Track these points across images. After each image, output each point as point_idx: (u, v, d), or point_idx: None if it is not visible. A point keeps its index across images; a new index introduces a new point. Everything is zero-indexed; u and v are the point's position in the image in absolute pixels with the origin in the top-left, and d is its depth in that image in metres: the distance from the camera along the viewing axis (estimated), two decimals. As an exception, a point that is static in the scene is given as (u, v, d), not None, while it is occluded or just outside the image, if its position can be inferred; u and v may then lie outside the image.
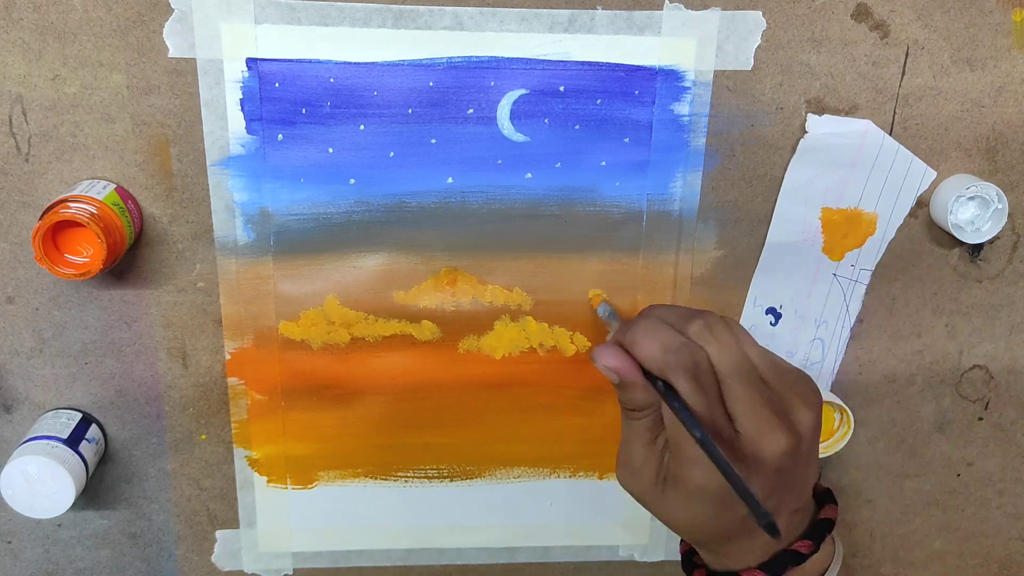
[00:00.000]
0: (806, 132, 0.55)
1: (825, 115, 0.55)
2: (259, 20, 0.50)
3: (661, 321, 0.45)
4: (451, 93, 0.53)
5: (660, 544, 0.64)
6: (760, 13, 0.52)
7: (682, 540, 0.52)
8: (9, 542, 0.60)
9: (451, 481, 0.62)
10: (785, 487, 0.44)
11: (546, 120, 0.54)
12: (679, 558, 0.65)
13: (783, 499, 0.45)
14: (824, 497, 0.49)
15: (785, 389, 0.44)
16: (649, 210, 0.56)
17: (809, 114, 0.55)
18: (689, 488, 0.44)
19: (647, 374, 0.44)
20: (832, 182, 0.56)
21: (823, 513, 0.48)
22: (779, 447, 0.42)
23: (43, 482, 0.52)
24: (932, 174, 0.56)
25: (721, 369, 0.43)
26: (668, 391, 0.43)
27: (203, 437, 0.59)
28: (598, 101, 0.54)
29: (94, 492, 0.59)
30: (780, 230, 0.57)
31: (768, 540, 0.46)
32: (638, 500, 0.47)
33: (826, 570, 0.47)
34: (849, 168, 0.56)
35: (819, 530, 0.47)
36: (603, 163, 0.55)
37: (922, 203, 0.57)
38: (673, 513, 0.46)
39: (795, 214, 0.56)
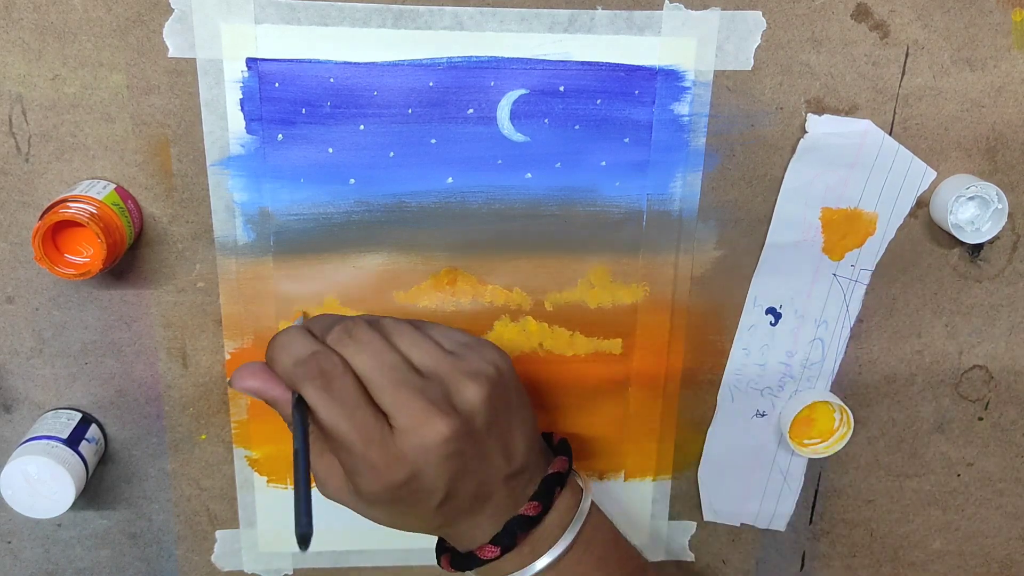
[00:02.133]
0: (806, 132, 0.55)
1: (825, 115, 0.55)
2: (259, 20, 0.50)
3: (300, 331, 0.44)
4: (451, 93, 0.53)
5: (660, 544, 0.64)
6: (760, 13, 0.52)
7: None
8: (9, 542, 0.60)
9: (451, 481, 0.62)
10: (474, 463, 0.44)
11: (546, 120, 0.54)
12: (679, 558, 0.65)
13: (481, 473, 0.44)
14: (559, 449, 0.49)
15: (448, 371, 0.43)
16: (649, 210, 0.56)
17: (809, 114, 0.55)
18: (359, 496, 0.44)
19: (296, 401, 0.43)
20: (832, 182, 0.56)
21: (551, 468, 0.47)
22: (439, 433, 0.42)
23: (43, 482, 0.52)
24: (932, 174, 0.56)
25: (362, 370, 0.43)
26: (301, 403, 0.42)
27: (203, 437, 0.59)
28: (598, 101, 0.54)
29: (94, 492, 0.59)
30: (780, 230, 0.57)
31: (495, 513, 0.45)
32: (350, 508, 0.46)
33: (570, 523, 0.46)
34: (849, 168, 0.56)
35: (547, 488, 0.46)
36: (603, 163, 0.55)
37: (922, 203, 0.57)
38: (372, 516, 0.46)
39: (795, 214, 0.56)
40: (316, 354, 0.43)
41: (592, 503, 0.48)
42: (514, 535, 0.45)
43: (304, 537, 0.39)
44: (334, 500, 0.46)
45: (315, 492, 0.43)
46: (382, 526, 0.46)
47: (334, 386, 0.42)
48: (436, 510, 0.44)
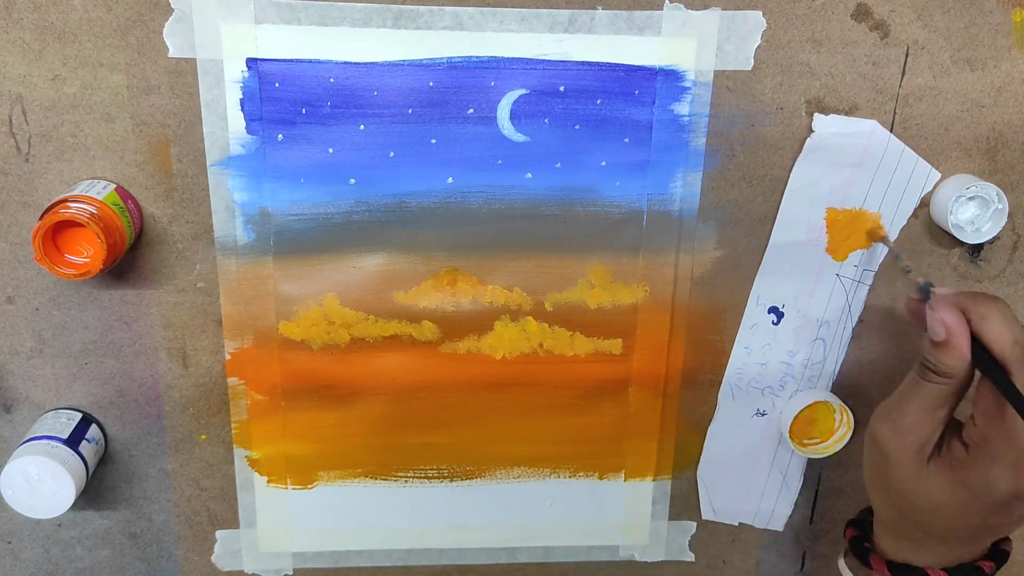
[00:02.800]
0: (812, 132, 0.55)
1: (831, 115, 0.55)
2: (259, 20, 0.50)
3: (1010, 310, 0.45)
4: (451, 93, 0.53)
5: (660, 544, 0.64)
6: (760, 13, 0.52)
7: (849, 525, 0.52)
8: (9, 542, 0.60)
9: (451, 481, 0.62)
10: (1015, 517, 0.45)
11: (546, 120, 0.54)
12: (679, 558, 0.65)
13: (1001, 525, 0.46)
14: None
15: None
16: (649, 210, 0.56)
17: (816, 114, 0.55)
18: (973, 478, 0.44)
19: (978, 351, 0.43)
20: (837, 182, 0.56)
21: (1004, 544, 0.49)
22: None
23: (43, 482, 0.52)
24: (936, 175, 0.56)
25: None
26: (1002, 378, 0.42)
27: (203, 437, 0.59)
28: (598, 101, 0.54)
29: (94, 492, 0.59)
30: (784, 230, 0.57)
31: (961, 550, 0.47)
32: (884, 456, 0.46)
33: None
34: (854, 168, 0.56)
35: (1000, 557, 0.48)
36: (603, 163, 0.55)
37: (922, 203, 0.57)
38: (926, 488, 0.46)
39: (799, 214, 0.56)
40: None
41: None
42: None
43: None
44: (881, 439, 0.46)
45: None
46: (905, 495, 0.47)
47: None
48: (974, 523, 0.45)
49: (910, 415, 0.45)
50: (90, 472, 0.55)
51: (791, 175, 0.56)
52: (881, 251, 0.58)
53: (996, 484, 0.43)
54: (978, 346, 0.44)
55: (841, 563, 0.53)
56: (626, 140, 0.54)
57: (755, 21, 0.53)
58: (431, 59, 0.52)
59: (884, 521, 0.50)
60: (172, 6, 0.50)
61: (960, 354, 0.44)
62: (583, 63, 0.53)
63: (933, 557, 0.48)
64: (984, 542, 0.48)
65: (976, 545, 0.48)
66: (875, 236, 0.56)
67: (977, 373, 0.46)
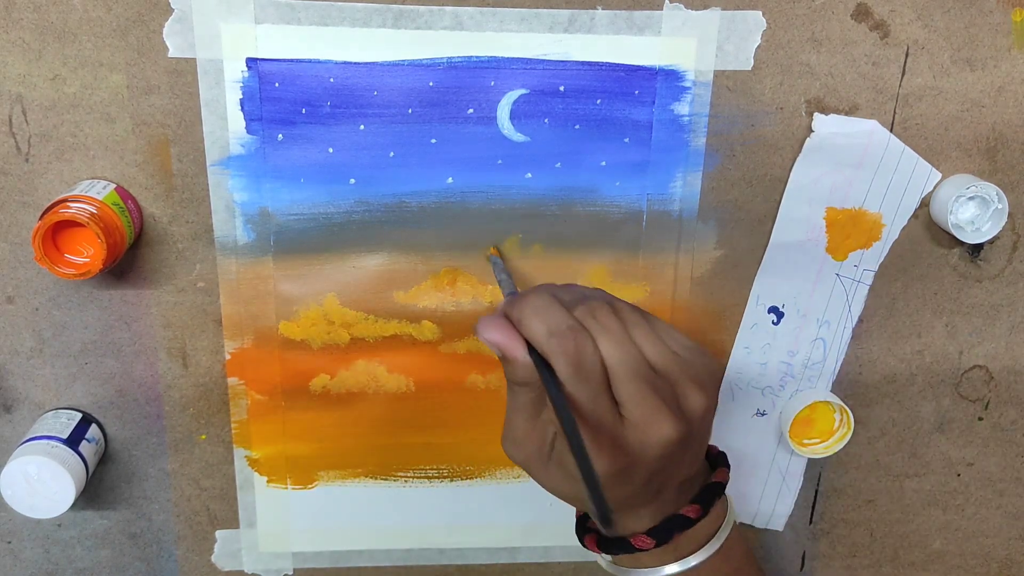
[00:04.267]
0: (812, 131, 0.55)
1: (831, 115, 0.55)
2: (259, 20, 0.50)
3: (552, 300, 0.44)
4: (451, 93, 0.53)
5: (660, 544, 0.64)
6: (760, 13, 0.52)
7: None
8: (9, 542, 0.60)
9: (451, 481, 0.62)
10: (674, 464, 0.44)
11: (546, 120, 0.54)
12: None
13: (670, 475, 0.45)
14: (717, 460, 0.49)
15: (678, 373, 0.43)
16: (649, 210, 0.56)
17: (816, 114, 0.55)
18: (570, 468, 0.44)
19: (531, 349, 0.43)
20: (837, 182, 0.56)
21: (714, 477, 0.48)
22: (665, 435, 0.42)
23: (43, 482, 0.52)
24: (937, 175, 0.56)
25: (606, 357, 0.43)
26: (549, 372, 0.42)
27: (203, 437, 0.59)
28: (598, 101, 0.54)
29: (94, 492, 0.59)
30: (784, 229, 0.57)
31: (657, 506, 0.46)
32: (523, 468, 0.46)
33: (716, 532, 0.47)
34: (855, 168, 0.56)
35: (708, 494, 0.47)
36: (603, 163, 0.55)
37: (922, 203, 0.57)
38: (557, 486, 0.46)
39: (800, 213, 0.56)
40: (572, 329, 0.43)
41: (734, 518, 0.50)
42: (671, 532, 0.46)
43: (607, 518, 0.38)
44: (518, 461, 0.46)
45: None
46: (553, 493, 0.47)
47: (584, 366, 0.42)
48: (624, 498, 0.45)
49: (518, 427, 0.45)
50: (90, 472, 0.55)
51: (791, 175, 0.56)
52: (882, 251, 0.58)
53: (574, 466, 0.42)
54: (531, 346, 0.44)
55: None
56: (626, 140, 0.54)
57: (755, 21, 0.53)
58: (431, 59, 0.52)
59: None
60: (172, 6, 0.50)
61: (520, 364, 0.43)
62: (583, 63, 0.53)
63: (635, 524, 0.47)
64: (672, 493, 0.46)
65: (668, 496, 0.46)
66: (486, 257, 0.56)
67: None
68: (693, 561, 0.47)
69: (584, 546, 0.50)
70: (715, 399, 0.45)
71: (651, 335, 0.44)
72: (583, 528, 0.51)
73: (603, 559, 0.50)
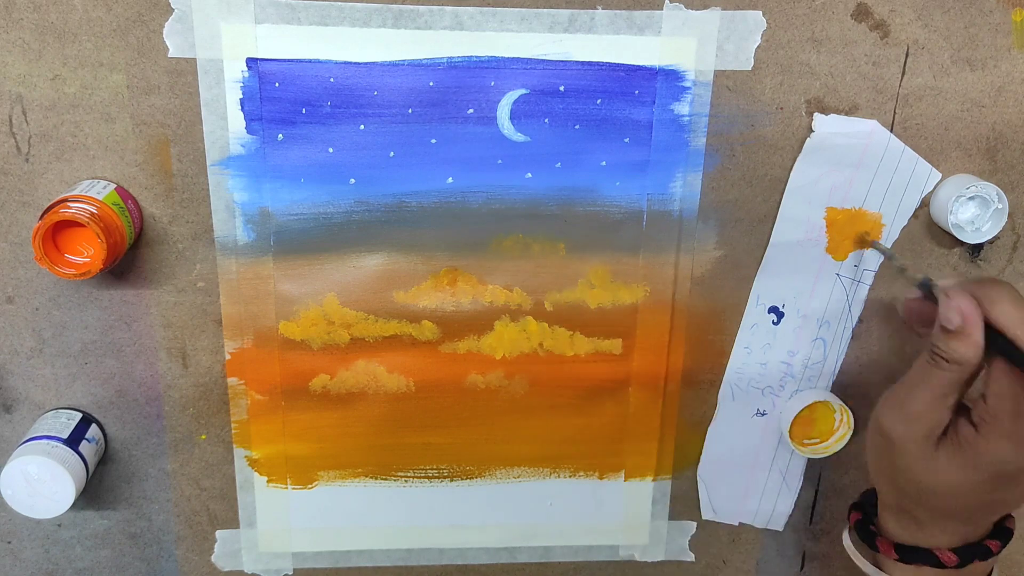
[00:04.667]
0: (812, 132, 0.55)
1: (831, 115, 0.55)
2: (259, 20, 0.50)
3: (1020, 295, 0.45)
4: (451, 93, 0.53)
5: (660, 544, 0.64)
6: (760, 13, 0.52)
7: (853, 508, 0.53)
8: (9, 542, 0.60)
9: (451, 481, 0.62)
10: (1018, 490, 0.46)
11: (546, 120, 0.54)
12: (679, 558, 0.65)
13: (1004, 501, 0.47)
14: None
15: None
16: (649, 210, 0.56)
17: (816, 114, 0.55)
18: (985, 457, 0.44)
19: (987, 338, 0.44)
20: (837, 182, 0.56)
21: (1007, 522, 0.50)
22: None
23: (43, 482, 0.52)
24: (937, 175, 0.56)
25: None
26: (1019, 358, 0.43)
27: (203, 437, 0.59)
28: (598, 101, 0.54)
29: (94, 492, 0.59)
30: (784, 229, 0.57)
31: (967, 528, 0.48)
32: (893, 443, 0.47)
33: (991, 571, 0.49)
34: (854, 168, 0.56)
35: (1005, 534, 0.49)
36: (603, 163, 0.55)
37: (922, 203, 0.57)
38: (935, 471, 0.46)
39: (799, 213, 0.56)
40: None
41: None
42: (972, 557, 0.48)
43: None
44: (896, 435, 0.46)
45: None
46: (911, 478, 0.47)
47: None
48: (987, 501, 0.46)
49: (920, 402, 0.46)
50: (90, 472, 0.55)
51: (791, 175, 0.56)
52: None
53: (1007, 459, 0.44)
54: (990, 331, 0.45)
55: (846, 539, 0.53)
56: (626, 140, 0.54)
57: (755, 21, 0.53)
58: (431, 59, 0.52)
59: (890, 504, 0.50)
60: (172, 6, 0.50)
61: (974, 341, 0.44)
62: (583, 63, 0.53)
63: (940, 538, 0.48)
64: (988, 520, 0.48)
65: (980, 524, 0.48)
66: (865, 244, 0.56)
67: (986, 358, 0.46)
68: None
69: (873, 548, 0.51)
70: None
71: None
72: (867, 532, 0.51)
73: (865, 564, 0.51)
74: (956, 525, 0.48)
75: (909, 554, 0.49)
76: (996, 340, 0.44)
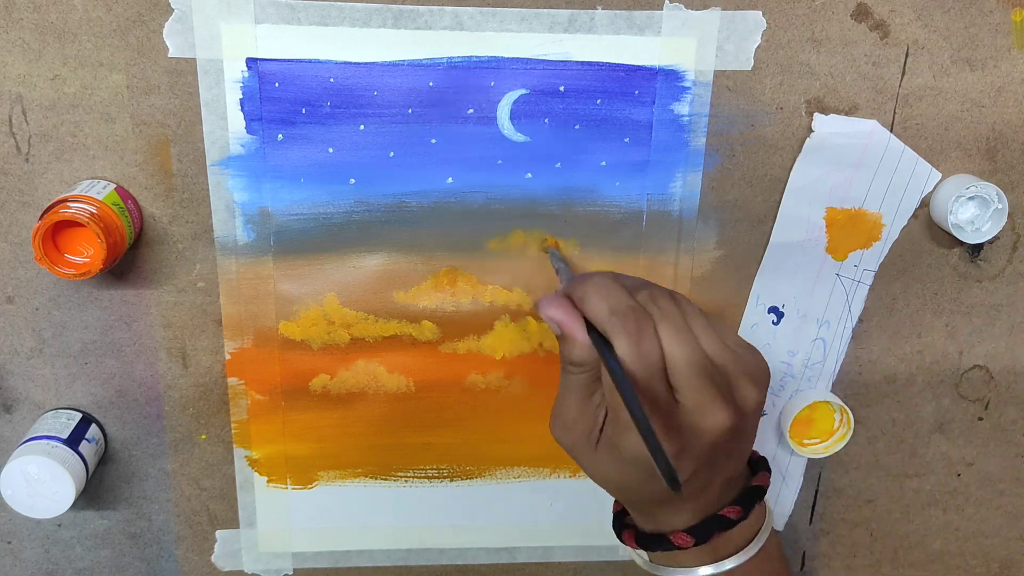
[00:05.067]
0: (812, 132, 0.55)
1: (831, 115, 0.55)
2: (259, 20, 0.50)
3: (615, 282, 0.44)
4: (451, 93, 0.53)
5: (660, 544, 0.64)
6: (760, 13, 0.52)
7: (616, 501, 0.51)
8: (9, 542, 0.60)
9: (451, 481, 0.62)
10: (721, 460, 0.44)
11: (546, 120, 0.54)
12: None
13: (717, 470, 0.45)
14: (758, 464, 0.50)
15: (731, 365, 0.44)
16: (649, 210, 0.56)
17: (816, 114, 0.55)
18: (622, 452, 0.44)
19: (590, 331, 0.43)
20: (837, 182, 0.56)
21: (755, 480, 0.48)
22: (720, 423, 0.42)
23: (43, 482, 0.52)
24: (937, 175, 0.56)
25: (665, 341, 0.43)
26: (608, 351, 0.42)
27: (203, 437, 0.59)
28: (598, 101, 0.54)
29: (94, 492, 0.59)
30: (784, 229, 0.57)
31: (698, 504, 0.46)
32: (570, 454, 0.46)
33: (755, 535, 0.47)
34: (854, 168, 0.56)
35: (749, 497, 0.47)
36: (603, 163, 0.55)
37: (922, 203, 0.57)
38: (604, 472, 0.46)
39: (799, 213, 0.56)
40: (634, 309, 0.43)
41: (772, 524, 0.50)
42: (711, 532, 0.46)
43: (675, 480, 0.38)
44: (566, 445, 0.46)
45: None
46: (599, 481, 0.47)
47: (644, 346, 0.42)
48: (664, 486, 0.45)
49: (570, 409, 0.45)
50: (90, 472, 0.55)
51: (791, 175, 0.56)
52: (882, 251, 0.58)
53: (637, 449, 0.43)
54: (590, 326, 0.44)
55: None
56: (626, 140, 0.54)
57: (755, 21, 0.53)
58: (431, 59, 0.52)
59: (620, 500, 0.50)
60: (172, 6, 0.50)
61: (579, 343, 0.43)
62: (583, 63, 0.53)
63: (673, 521, 0.47)
64: (715, 492, 0.46)
65: (711, 494, 0.47)
66: (543, 248, 0.56)
67: None
68: (730, 564, 0.47)
69: (622, 542, 0.50)
70: (765, 396, 0.45)
71: (708, 328, 0.45)
72: (621, 524, 0.51)
73: (640, 557, 0.50)
74: (675, 508, 0.46)
75: (647, 542, 0.48)
76: (592, 336, 0.43)
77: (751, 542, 0.47)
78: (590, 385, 0.45)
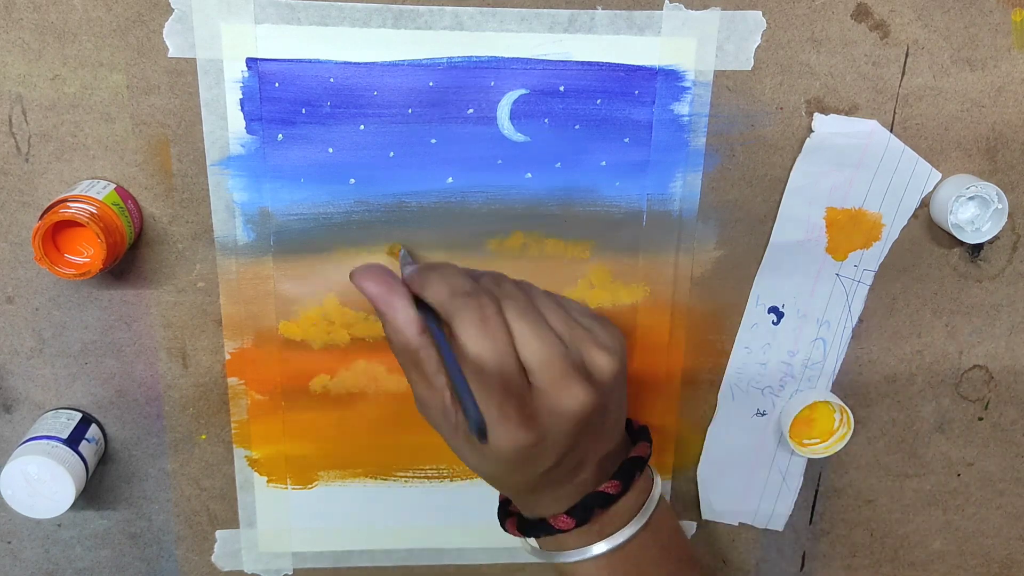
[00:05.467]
0: (812, 132, 0.55)
1: (831, 115, 0.55)
2: (259, 20, 0.50)
3: (456, 268, 0.44)
4: (451, 93, 0.53)
5: (660, 544, 0.64)
6: (760, 13, 0.52)
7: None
8: (9, 542, 0.60)
9: (451, 481, 0.62)
10: (589, 437, 0.44)
11: (546, 120, 0.54)
12: (679, 558, 0.65)
13: (588, 448, 0.44)
14: (638, 435, 0.49)
15: (582, 340, 0.43)
16: (649, 210, 0.56)
17: (816, 114, 0.55)
18: (479, 447, 0.43)
19: (428, 314, 0.42)
20: (837, 182, 0.56)
21: (633, 451, 0.47)
22: (578, 401, 0.41)
23: (43, 482, 0.52)
24: (937, 176, 0.56)
25: (512, 321, 0.42)
26: (440, 333, 0.41)
27: (203, 437, 0.59)
28: (598, 101, 0.54)
29: (94, 492, 0.59)
30: (784, 229, 0.57)
31: (577, 485, 0.45)
32: (441, 436, 0.45)
33: (641, 508, 0.47)
34: (854, 168, 0.56)
35: (628, 469, 0.47)
36: (603, 163, 0.55)
37: (922, 203, 0.57)
38: (464, 456, 0.45)
39: (799, 213, 0.56)
40: (477, 291, 0.42)
41: (661, 492, 0.49)
42: (591, 510, 0.45)
43: (482, 427, 0.38)
44: (433, 424, 0.45)
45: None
46: (471, 468, 0.46)
47: (489, 325, 0.41)
48: (539, 475, 0.44)
49: (420, 391, 0.44)
50: (90, 472, 0.55)
51: (791, 175, 0.56)
52: (882, 251, 0.58)
53: (493, 442, 0.42)
54: (426, 311, 0.43)
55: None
56: (626, 140, 0.54)
57: (755, 21, 0.53)
58: (431, 59, 0.52)
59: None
60: (172, 6, 0.50)
61: (399, 320, 0.42)
62: (583, 63, 0.53)
63: (552, 505, 0.46)
64: (591, 470, 0.45)
65: (587, 473, 0.46)
66: (392, 252, 0.55)
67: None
68: (618, 539, 0.46)
69: (506, 531, 0.49)
70: (623, 364, 0.44)
71: (553, 305, 0.44)
72: (504, 512, 0.50)
73: (528, 544, 0.49)
74: (553, 493, 0.45)
75: (529, 528, 0.47)
76: (428, 319, 0.42)
77: (637, 515, 0.46)
78: (429, 365, 0.43)
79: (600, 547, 0.46)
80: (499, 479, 0.46)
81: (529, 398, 0.41)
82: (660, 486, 0.48)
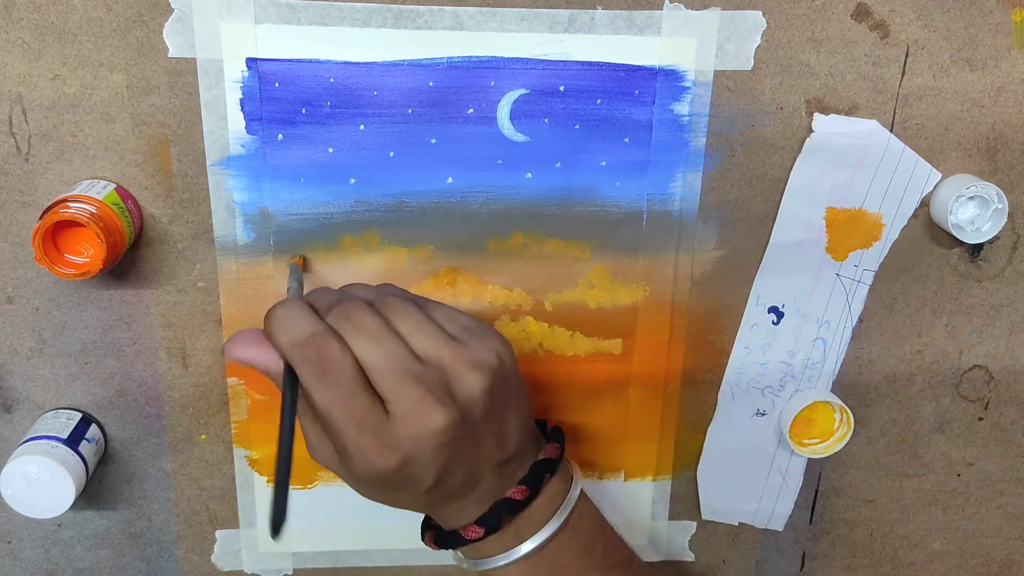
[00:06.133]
0: (812, 132, 0.55)
1: (831, 115, 0.55)
2: (259, 20, 0.50)
3: (300, 308, 0.44)
4: (451, 93, 0.53)
5: (660, 544, 0.64)
6: (760, 13, 0.52)
7: None
8: (9, 542, 0.60)
9: (451, 481, 0.62)
10: (468, 449, 0.44)
11: (546, 120, 0.54)
12: (679, 558, 0.65)
13: (475, 461, 0.44)
14: (552, 437, 0.49)
15: (449, 358, 0.43)
16: (649, 210, 0.56)
17: (816, 114, 0.55)
18: (349, 475, 0.44)
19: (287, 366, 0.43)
20: (837, 182, 0.56)
21: (542, 454, 0.47)
22: (435, 423, 0.41)
23: (43, 482, 0.52)
24: (937, 176, 0.56)
25: (361, 355, 0.42)
26: (292, 384, 0.42)
27: (203, 437, 0.59)
28: (598, 101, 0.54)
29: (94, 492, 0.59)
30: (784, 229, 0.57)
31: (480, 494, 0.45)
32: (336, 474, 0.46)
33: (557, 509, 0.47)
34: (854, 168, 0.56)
35: (537, 473, 0.46)
36: (603, 163, 0.55)
37: (922, 203, 0.57)
38: (360, 491, 0.46)
39: (799, 213, 0.56)
40: (315, 336, 0.42)
41: (582, 492, 0.48)
42: (499, 518, 0.46)
43: (277, 525, 0.38)
44: (324, 466, 0.45)
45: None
46: (370, 500, 0.47)
47: (331, 371, 0.41)
48: (424, 494, 0.44)
49: (310, 435, 0.45)
50: (90, 472, 0.55)
51: (791, 175, 0.56)
52: (882, 251, 0.58)
53: (360, 473, 0.43)
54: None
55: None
56: (626, 140, 0.54)
57: (755, 21, 0.53)
58: (431, 59, 0.52)
59: None
60: (172, 6, 0.50)
61: (276, 380, 0.43)
62: (583, 63, 0.53)
63: (460, 516, 0.46)
64: (492, 478, 0.45)
65: (488, 482, 0.46)
66: (288, 263, 0.55)
67: None
68: (534, 542, 0.46)
69: (425, 544, 0.49)
70: (502, 376, 0.44)
71: (420, 325, 0.43)
72: (425, 526, 0.50)
73: (456, 557, 0.49)
74: (458, 505, 0.46)
75: (445, 541, 0.48)
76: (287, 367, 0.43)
77: (553, 517, 0.46)
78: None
79: (518, 551, 0.46)
80: (386, 502, 0.46)
81: (387, 426, 0.42)
82: (579, 486, 0.48)
